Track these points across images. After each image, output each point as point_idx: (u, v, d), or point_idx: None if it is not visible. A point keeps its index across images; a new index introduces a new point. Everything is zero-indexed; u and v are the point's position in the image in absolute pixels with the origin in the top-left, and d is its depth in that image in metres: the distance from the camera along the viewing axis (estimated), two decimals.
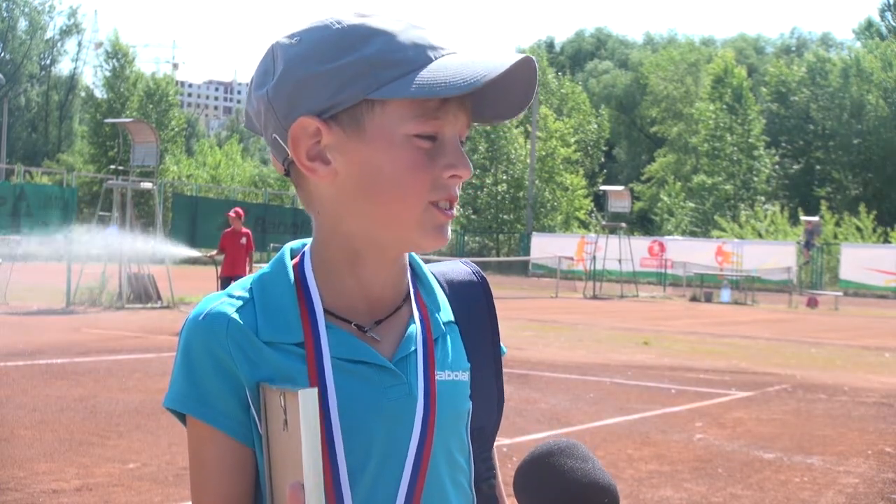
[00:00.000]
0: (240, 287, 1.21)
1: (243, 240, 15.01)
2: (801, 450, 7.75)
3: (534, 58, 1.14)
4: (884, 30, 66.79)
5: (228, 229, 15.34)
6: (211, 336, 1.15)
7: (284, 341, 1.16)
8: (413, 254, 1.28)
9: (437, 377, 1.21)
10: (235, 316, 1.16)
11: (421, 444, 1.17)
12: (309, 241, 1.26)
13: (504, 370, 1.33)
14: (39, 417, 7.67)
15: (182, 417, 1.19)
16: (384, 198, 1.14)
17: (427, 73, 1.11)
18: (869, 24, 69.22)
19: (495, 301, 1.34)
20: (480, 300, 1.32)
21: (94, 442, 6.88)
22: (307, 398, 1.07)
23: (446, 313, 1.27)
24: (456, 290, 1.31)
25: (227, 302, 1.18)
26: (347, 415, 1.15)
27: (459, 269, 1.35)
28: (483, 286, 1.33)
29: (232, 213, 15.48)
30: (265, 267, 1.24)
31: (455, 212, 1.19)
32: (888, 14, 67.08)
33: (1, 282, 18.67)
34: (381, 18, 1.15)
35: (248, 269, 15.03)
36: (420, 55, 1.13)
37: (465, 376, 1.25)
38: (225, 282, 14.88)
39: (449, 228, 1.18)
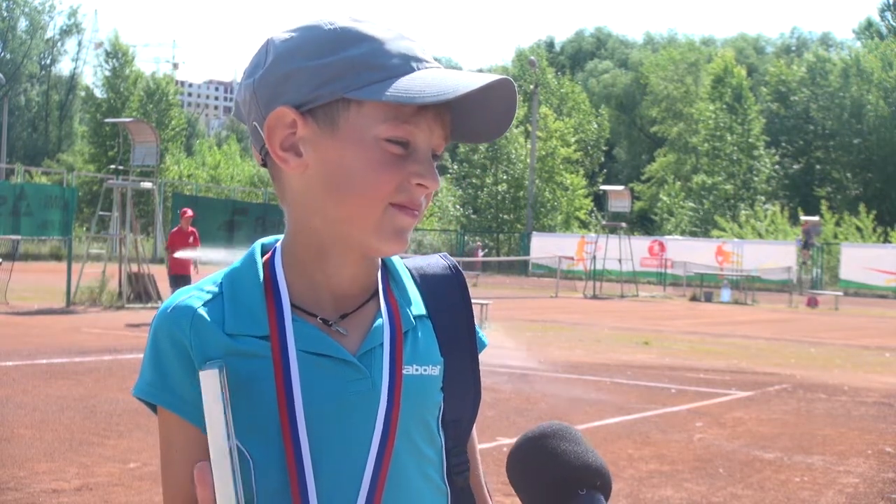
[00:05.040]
0: (210, 281, 1.24)
1: (191, 239, 15.87)
2: (802, 449, 7.75)
3: (511, 79, 1.15)
4: (884, 30, 66.75)
5: (175, 228, 16.16)
6: (176, 328, 1.18)
7: (249, 334, 1.18)
8: None
9: (403, 371, 1.22)
10: (202, 310, 1.19)
11: (384, 436, 1.18)
12: (281, 237, 1.28)
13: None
14: (40, 417, 7.68)
15: (153, 407, 1.23)
16: (347, 195, 1.16)
17: (405, 82, 1.14)
18: (869, 24, 69.21)
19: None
20: (455, 293, 1.32)
21: (95, 442, 6.89)
22: (208, 378, 1.09)
23: (417, 307, 1.28)
24: (429, 284, 1.32)
25: (196, 295, 1.21)
26: (311, 407, 1.17)
27: (435, 262, 1.36)
28: (458, 279, 1.34)
29: (182, 213, 16.35)
30: (236, 262, 1.26)
31: (416, 219, 1.19)
32: (888, 14, 67.06)
33: (1, 282, 18.67)
34: (373, 25, 1.18)
35: (194, 267, 15.98)
36: (403, 64, 1.16)
37: (435, 370, 1.25)
38: (174, 280, 15.47)
39: (409, 234, 1.19)
